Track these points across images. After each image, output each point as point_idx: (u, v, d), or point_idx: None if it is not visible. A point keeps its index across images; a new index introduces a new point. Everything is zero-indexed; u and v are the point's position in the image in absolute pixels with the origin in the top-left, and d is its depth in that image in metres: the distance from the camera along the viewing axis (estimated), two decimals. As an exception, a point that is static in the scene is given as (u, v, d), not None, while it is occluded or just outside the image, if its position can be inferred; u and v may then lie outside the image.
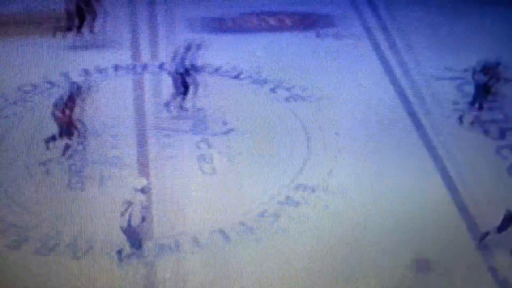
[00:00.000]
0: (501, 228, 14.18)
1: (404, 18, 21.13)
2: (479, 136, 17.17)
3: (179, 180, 15.74)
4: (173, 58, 16.94)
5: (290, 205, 15.31)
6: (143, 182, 13.62)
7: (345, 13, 21.32)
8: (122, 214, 13.37)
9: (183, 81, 16.95)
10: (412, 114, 17.72)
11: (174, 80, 17.04)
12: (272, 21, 20.94)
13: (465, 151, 16.72)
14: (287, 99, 18.13)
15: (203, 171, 16.10)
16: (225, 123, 17.32)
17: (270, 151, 16.56)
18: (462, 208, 15.32)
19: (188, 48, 16.76)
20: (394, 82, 18.72)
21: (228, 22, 20.97)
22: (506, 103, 17.80)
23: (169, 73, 17.26)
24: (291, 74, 18.77)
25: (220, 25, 20.82)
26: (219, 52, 19.32)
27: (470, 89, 18.21)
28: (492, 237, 14.28)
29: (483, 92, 17.02)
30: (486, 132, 17.26)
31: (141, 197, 13.36)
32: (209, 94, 17.73)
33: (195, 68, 16.90)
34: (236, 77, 18.79)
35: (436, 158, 16.54)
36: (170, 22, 20.72)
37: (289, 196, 15.51)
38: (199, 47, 16.83)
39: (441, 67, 19.10)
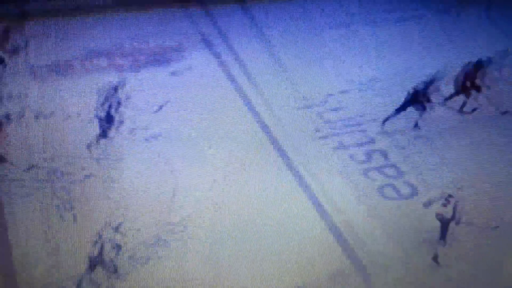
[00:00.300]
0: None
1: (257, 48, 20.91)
2: (345, 160, 17.03)
3: (39, 229, 14.81)
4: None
5: (161, 246, 14.65)
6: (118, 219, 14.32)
7: (196, 46, 20.81)
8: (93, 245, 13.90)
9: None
10: (276, 144, 17.38)
11: (101, 121, 16.81)
12: (120, 61, 20.17)
13: (332, 177, 16.54)
14: (147, 139, 17.32)
15: (63, 220, 15.14)
16: (83, 168, 16.40)
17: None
18: (336, 234, 15.11)
19: (115, 90, 16.84)
20: (254, 112, 18.32)
21: (75, 65, 20.06)
22: (369, 125, 17.79)
23: (96, 116, 16.84)
24: (147, 111, 17.96)
25: (67, 69, 19.86)
26: (66, 96, 18.41)
27: (330, 116, 18.32)
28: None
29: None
30: (351, 156, 17.14)
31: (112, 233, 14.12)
32: (65, 139, 16.96)
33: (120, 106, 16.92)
34: (91, 120, 17.84)
35: (305, 187, 16.26)
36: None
37: (160, 236, 14.83)
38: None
39: (299, 96, 18.92)
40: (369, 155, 17.18)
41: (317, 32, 21.53)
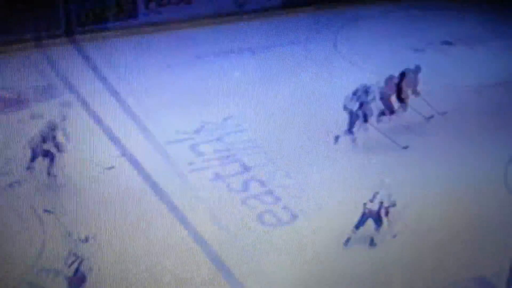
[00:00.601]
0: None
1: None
2: (223, 191, 16.66)
3: None
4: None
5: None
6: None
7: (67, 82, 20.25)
8: (69, 266, 13.55)
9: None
10: (150, 181, 16.81)
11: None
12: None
13: (212, 209, 16.10)
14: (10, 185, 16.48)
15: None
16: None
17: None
18: (225, 272, 14.72)
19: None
20: (125, 152, 17.67)
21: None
22: (239, 153, 17.61)
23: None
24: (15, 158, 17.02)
25: None
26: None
27: (202, 148, 17.92)
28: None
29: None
30: (228, 186, 16.78)
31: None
32: None
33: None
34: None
35: (182, 220, 15.77)
36: None
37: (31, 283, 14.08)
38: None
39: (170, 131, 18.44)
40: (246, 184, 16.88)
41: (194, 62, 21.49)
